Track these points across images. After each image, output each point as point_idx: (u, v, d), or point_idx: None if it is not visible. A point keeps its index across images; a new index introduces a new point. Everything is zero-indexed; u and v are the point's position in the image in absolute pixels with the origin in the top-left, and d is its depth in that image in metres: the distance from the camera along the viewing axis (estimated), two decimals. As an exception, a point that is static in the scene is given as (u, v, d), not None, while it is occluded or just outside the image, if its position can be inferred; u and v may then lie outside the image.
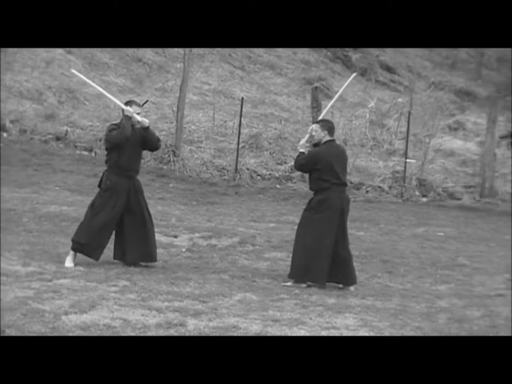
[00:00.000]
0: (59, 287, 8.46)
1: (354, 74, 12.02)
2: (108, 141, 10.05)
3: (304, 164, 9.98)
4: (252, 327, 7.41)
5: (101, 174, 10.24)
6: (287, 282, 9.80)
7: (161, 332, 7.02)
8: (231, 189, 18.66)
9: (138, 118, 9.87)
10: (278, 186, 19.41)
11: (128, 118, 9.86)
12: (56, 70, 23.70)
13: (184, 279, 9.42)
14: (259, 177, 19.88)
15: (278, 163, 20.78)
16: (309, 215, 9.89)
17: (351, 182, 20.02)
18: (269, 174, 20.07)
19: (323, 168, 9.76)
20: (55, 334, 6.72)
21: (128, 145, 9.87)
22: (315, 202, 9.86)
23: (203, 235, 12.43)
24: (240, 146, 20.23)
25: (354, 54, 30.25)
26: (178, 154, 19.62)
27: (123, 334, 6.82)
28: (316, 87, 21.43)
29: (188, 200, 16.67)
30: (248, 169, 19.96)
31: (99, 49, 25.67)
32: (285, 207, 17.22)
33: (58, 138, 19.70)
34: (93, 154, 19.34)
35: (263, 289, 9.33)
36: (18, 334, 6.62)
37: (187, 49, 20.42)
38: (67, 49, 24.84)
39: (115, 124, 10.11)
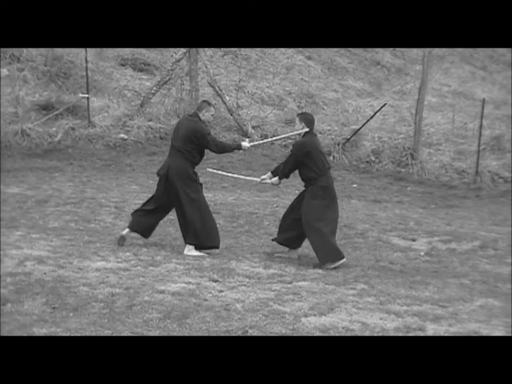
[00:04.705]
0: (298, 289, 8.62)
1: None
2: None
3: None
4: (495, 333, 7.22)
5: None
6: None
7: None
8: (472, 192, 18.23)
9: None
10: (522, 188, 18.76)
11: None
12: (296, 76, 24.17)
13: (423, 283, 9.32)
14: (501, 180, 19.28)
15: (522, 165, 20.08)
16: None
17: None
18: (512, 176, 19.45)
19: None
20: (295, 335, 6.86)
21: None
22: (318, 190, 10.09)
23: (442, 239, 12.24)
24: (481, 148, 19.72)
25: None
26: (417, 157, 19.42)
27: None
28: None
29: (426, 204, 16.46)
30: (489, 171, 19.42)
31: (338, 53, 25.92)
32: (529, 210, 16.59)
33: (297, 143, 20.02)
34: (331, 157, 19.52)
35: (505, 294, 9.06)
36: (260, 334, 6.82)
37: (426, 51, 20.15)
38: (307, 54, 25.29)
39: None
